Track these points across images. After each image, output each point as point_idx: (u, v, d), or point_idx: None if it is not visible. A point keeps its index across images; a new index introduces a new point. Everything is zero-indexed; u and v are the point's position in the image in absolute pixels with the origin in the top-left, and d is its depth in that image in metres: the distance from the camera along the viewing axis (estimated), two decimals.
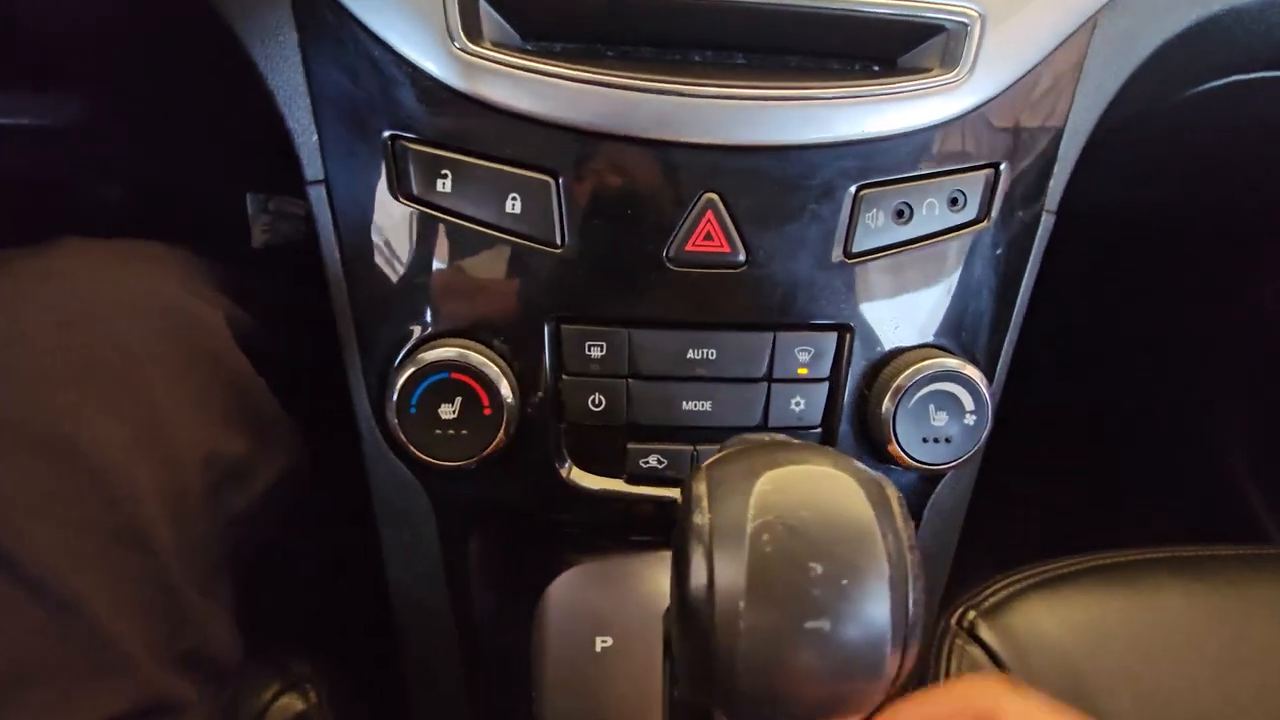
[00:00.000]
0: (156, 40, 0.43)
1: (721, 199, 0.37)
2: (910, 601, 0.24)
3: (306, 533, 0.56)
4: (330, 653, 0.55)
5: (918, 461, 0.39)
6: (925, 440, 0.39)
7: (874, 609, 0.23)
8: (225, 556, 0.42)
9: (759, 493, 0.24)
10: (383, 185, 0.37)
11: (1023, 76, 0.38)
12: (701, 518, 0.25)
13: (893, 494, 0.25)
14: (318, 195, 0.38)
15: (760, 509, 0.24)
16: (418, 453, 0.37)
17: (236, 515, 0.43)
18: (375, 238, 0.38)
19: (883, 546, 0.23)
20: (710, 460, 0.27)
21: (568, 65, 0.35)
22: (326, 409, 0.46)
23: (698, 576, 0.24)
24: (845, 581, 0.23)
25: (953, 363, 0.38)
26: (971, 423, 0.39)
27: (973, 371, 0.38)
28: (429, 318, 0.38)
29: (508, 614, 0.46)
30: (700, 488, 0.25)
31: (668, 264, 0.37)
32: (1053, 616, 0.53)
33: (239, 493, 0.43)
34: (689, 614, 0.24)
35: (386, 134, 0.36)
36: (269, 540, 0.48)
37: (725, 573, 0.23)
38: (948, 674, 0.50)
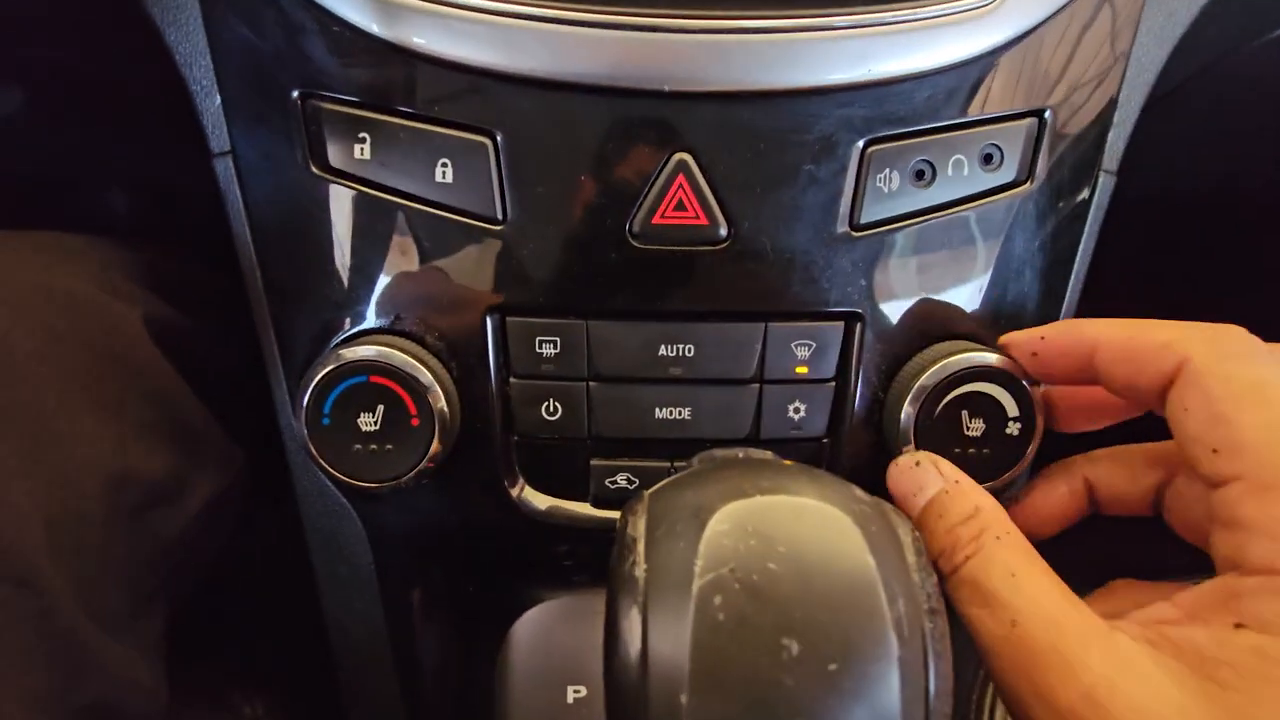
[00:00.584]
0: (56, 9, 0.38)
1: (695, 159, 0.30)
2: (930, 693, 0.16)
3: (255, 555, 0.51)
4: (283, 689, 0.49)
5: None
6: (957, 453, 0.31)
7: (878, 705, 0.16)
8: (151, 590, 0.37)
9: (710, 535, 0.17)
10: (295, 154, 0.32)
11: (1072, 1, 0.31)
12: (636, 568, 0.18)
13: (906, 532, 0.18)
14: (224, 169, 0.33)
15: (711, 559, 0.17)
16: (334, 471, 0.31)
17: (164, 541, 0.37)
18: (289, 216, 0.32)
19: (888, 613, 0.16)
20: (656, 487, 0.20)
21: (503, 1, 0.29)
22: (270, 418, 0.41)
23: (629, 648, 0.17)
24: (833, 666, 0.16)
25: (990, 358, 0.31)
26: (1016, 432, 0.31)
27: (1015, 368, 0.31)
28: (353, 311, 0.33)
29: (465, 659, 0.40)
30: (638, 525, 0.19)
31: (632, 241, 0.31)
32: None
33: (165, 516, 0.38)
34: (616, 699, 0.17)
35: (296, 93, 0.31)
36: (210, 563, 0.43)
37: (663, 648, 0.16)
38: (985, 715, 0.43)
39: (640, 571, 0.18)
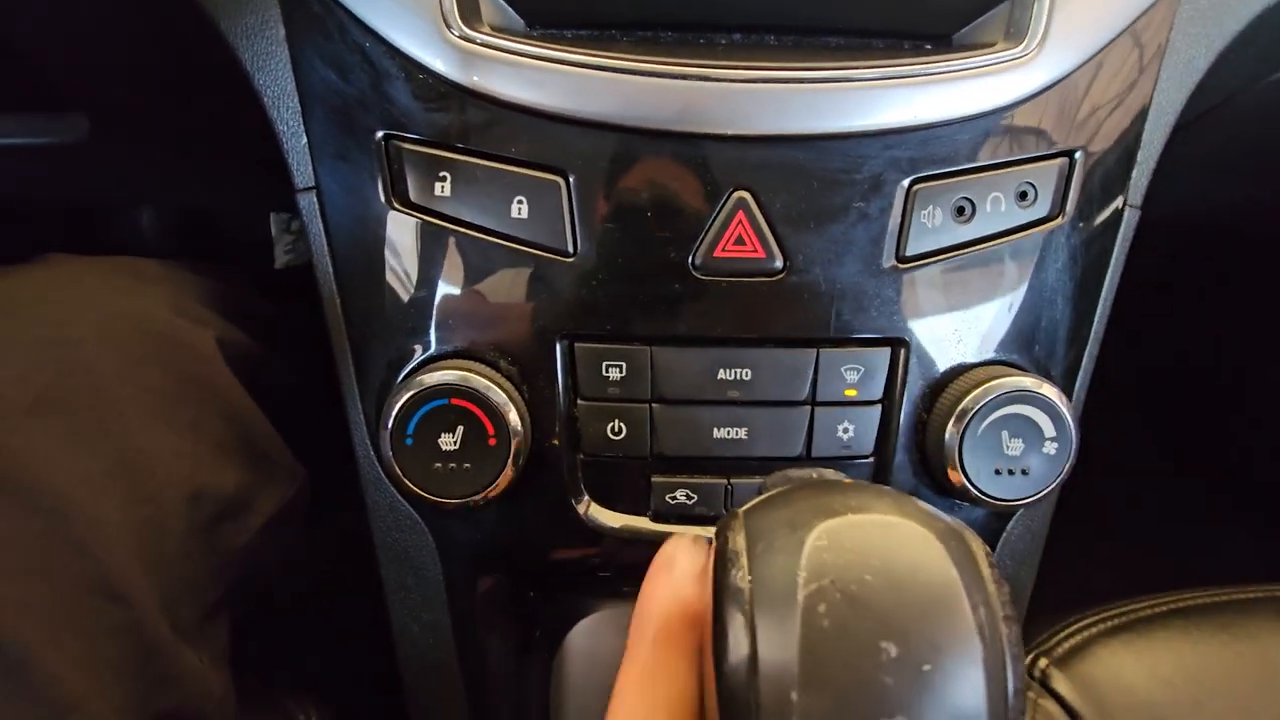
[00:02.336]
0: (147, 44, 0.40)
1: (754, 197, 0.32)
2: (1010, 691, 0.18)
3: (311, 568, 0.53)
4: (336, 698, 0.51)
5: (989, 497, 0.34)
6: (998, 472, 0.33)
7: (966, 702, 0.18)
8: (219, 600, 0.39)
9: (811, 550, 0.19)
10: (377, 191, 0.34)
11: (1100, 50, 0.33)
12: (741, 578, 0.20)
13: (978, 548, 0.20)
14: (308, 204, 0.35)
15: (814, 571, 0.19)
16: (416, 489, 0.33)
17: (231, 554, 0.39)
18: (369, 249, 0.34)
19: (973, 619, 0.18)
20: (748, 505, 0.22)
21: (576, 51, 0.31)
22: (333, 437, 0.43)
23: (738, 657, 0.19)
24: (927, 667, 0.18)
25: (1029, 382, 0.33)
26: (1053, 451, 0.33)
27: (1052, 391, 0.33)
28: (429, 337, 0.35)
29: (523, 665, 0.42)
30: (738, 540, 0.21)
31: (694, 272, 0.33)
32: (1139, 666, 0.46)
33: (233, 529, 0.40)
34: (727, 699, 0.19)
35: (380, 134, 0.33)
36: (271, 576, 0.45)
37: (772, 651, 0.18)
38: None
39: (745, 582, 0.20)
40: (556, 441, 0.35)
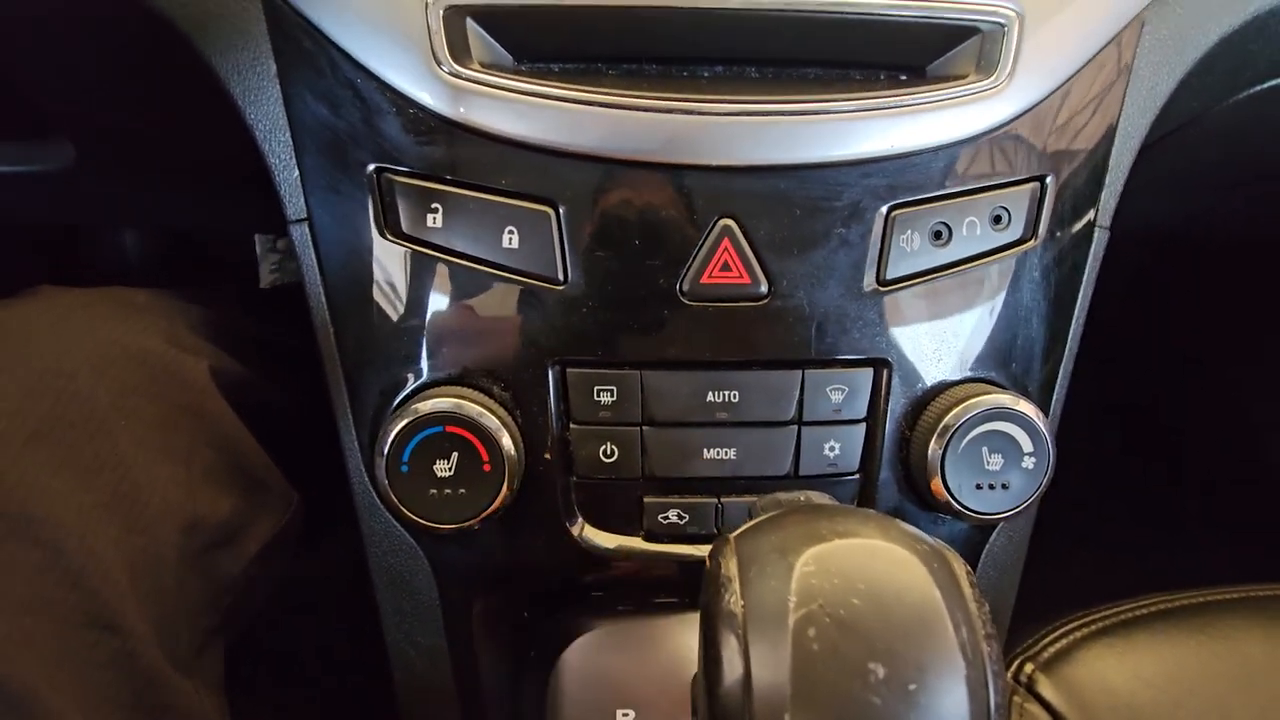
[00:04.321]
0: (137, 77, 0.40)
1: (739, 225, 0.33)
2: (992, 706, 0.19)
3: (306, 591, 0.53)
4: None
5: (972, 511, 0.35)
6: (979, 487, 0.35)
7: (951, 718, 0.19)
8: (214, 627, 0.39)
9: (800, 575, 0.20)
10: (369, 222, 0.34)
11: (1068, 80, 0.35)
12: (734, 603, 0.21)
13: (960, 568, 0.21)
14: (300, 235, 0.35)
15: (803, 596, 0.20)
16: (411, 515, 0.34)
17: (226, 581, 0.40)
18: (362, 279, 0.35)
19: (955, 639, 0.19)
20: (739, 531, 0.23)
21: (564, 85, 0.32)
22: (327, 462, 0.43)
23: (731, 672, 0.20)
24: (913, 686, 0.19)
25: (1006, 399, 0.34)
26: (1031, 466, 0.34)
27: (1028, 408, 0.34)
28: (423, 365, 0.35)
29: (519, 685, 0.42)
30: (729, 566, 0.22)
31: (682, 298, 0.34)
32: (1121, 668, 0.47)
33: (228, 557, 0.40)
34: (720, 714, 0.20)
35: (371, 167, 0.34)
36: (264, 603, 0.45)
37: (764, 674, 0.19)
38: None
39: (738, 606, 0.20)
40: (550, 463, 0.35)
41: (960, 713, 0.19)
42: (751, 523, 0.23)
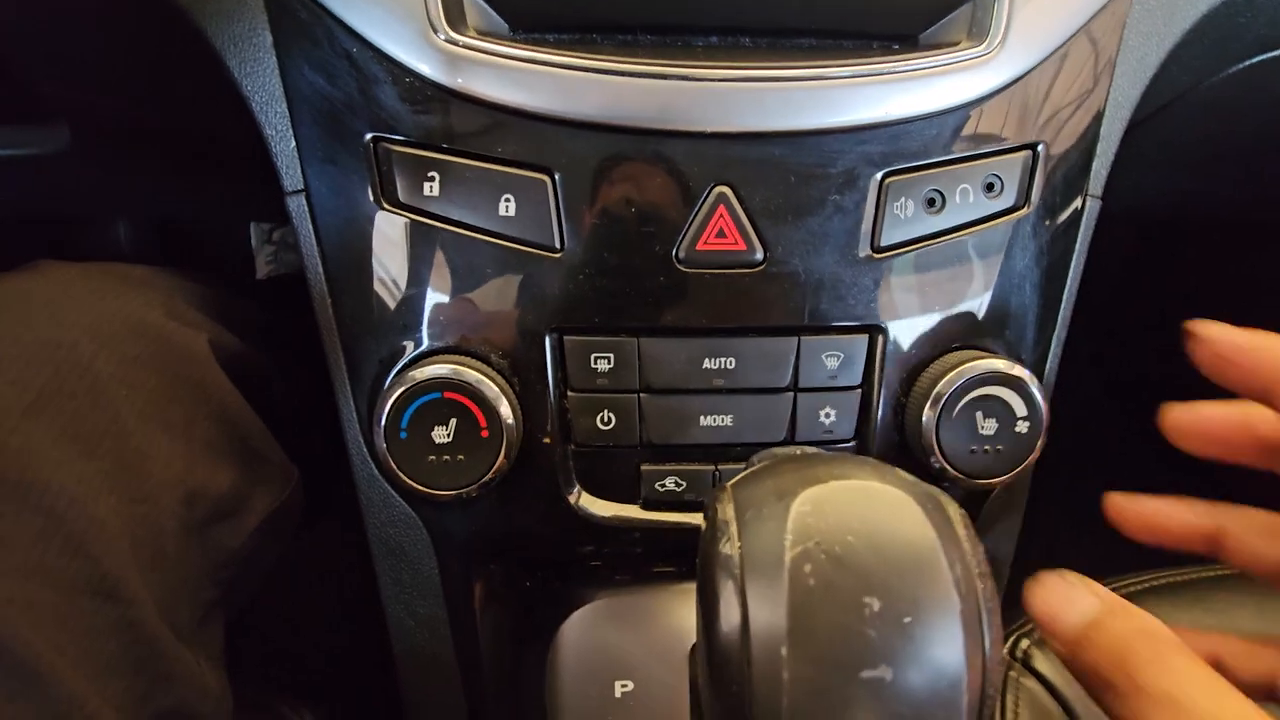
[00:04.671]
0: (133, 53, 0.40)
1: (734, 192, 0.33)
2: (986, 641, 0.20)
3: (304, 570, 0.53)
4: (330, 701, 0.51)
5: (966, 475, 0.35)
6: (973, 451, 0.35)
7: (944, 651, 0.19)
8: (214, 600, 0.39)
9: (796, 515, 0.20)
10: (366, 192, 0.34)
11: (1058, 48, 0.35)
12: (730, 546, 0.21)
13: (954, 511, 0.21)
14: (297, 206, 0.36)
15: (799, 535, 0.20)
16: (410, 481, 0.34)
17: (226, 554, 0.40)
18: (359, 249, 0.35)
19: (949, 574, 0.20)
20: (736, 479, 0.23)
21: (559, 53, 0.32)
22: (324, 437, 0.43)
23: (729, 617, 0.20)
24: (908, 619, 0.19)
25: (1000, 364, 0.34)
26: (1024, 430, 0.35)
27: (1022, 373, 0.34)
28: (420, 333, 0.35)
29: (518, 657, 0.42)
30: (726, 511, 0.22)
31: (678, 265, 0.34)
32: None
33: (228, 530, 0.40)
34: (719, 662, 0.20)
35: (368, 136, 0.34)
36: (263, 577, 0.45)
37: (761, 613, 0.19)
38: (1003, 714, 0.45)
39: (734, 549, 0.21)
40: (547, 431, 0.36)
41: (955, 646, 0.19)
42: (748, 470, 0.23)
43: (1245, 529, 0.28)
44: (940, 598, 0.19)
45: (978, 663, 0.19)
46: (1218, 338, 0.27)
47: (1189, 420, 0.29)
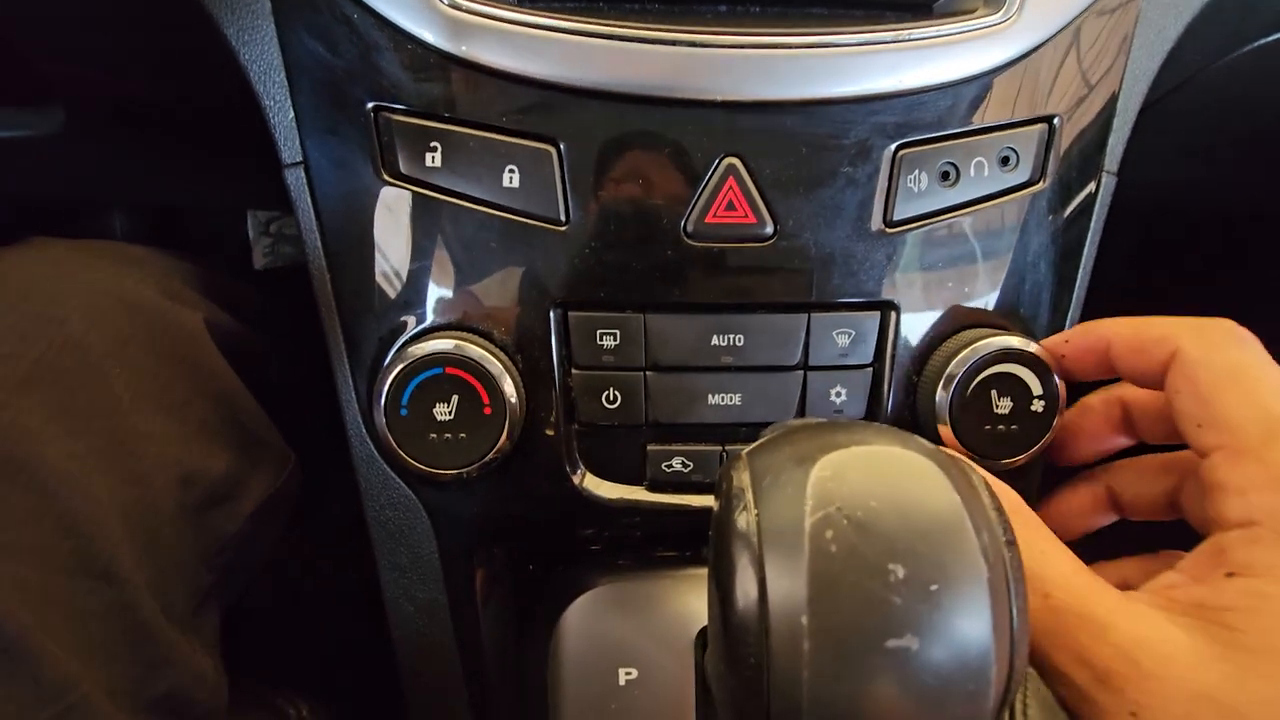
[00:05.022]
0: (128, 23, 0.39)
1: (744, 163, 0.33)
2: (1014, 610, 0.19)
3: (301, 555, 0.52)
4: (327, 690, 0.50)
5: (981, 456, 0.34)
6: (988, 431, 0.34)
7: (972, 621, 0.18)
8: (210, 585, 0.38)
9: (816, 480, 0.19)
10: (366, 163, 0.34)
11: (1076, 18, 0.34)
12: (746, 516, 0.20)
13: (979, 478, 0.21)
14: (296, 180, 0.35)
15: (820, 500, 0.19)
16: (411, 460, 0.33)
17: (222, 540, 0.39)
18: (359, 222, 0.34)
19: (976, 542, 0.19)
20: (751, 447, 0.22)
21: (565, 19, 0.31)
22: (322, 421, 0.42)
23: (745, 589, 0.19)
24: (935, 587, 0.18)
25: (1016, 341, 0.33)
26: (1041, 409, 0.34)
27: (1038, 350, 0.34)
28: (422, 309, 0.34)
29: (520, 643, 0.41)
30: (742, 479, 0.21)
31: (686, 239, 0.33)
32: None
33: (224, 515, 0.39)
34: (736, 637, 0.19)
35: (369, 105, 0.33)
36: (260, 564, 0.44)
37: (780, 582, 0.19)
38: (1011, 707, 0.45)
39: (752, 517, 0.20)
40: (551, 408, 0.35)
41: (983, 614, 0.18)
42: (764, 438, 0.23)
43: (1127, 482, 0.34)
44: (968, 565, 0.18)
45: (1005, 633, 0.18)
46: (1048, 347, 0.34)
47: (1075, 421, 0.34)
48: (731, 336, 0.34)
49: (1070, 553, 0.26)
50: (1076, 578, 0.25)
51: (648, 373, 0.35)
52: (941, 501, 0.19)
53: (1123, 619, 0.24)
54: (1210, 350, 0.27)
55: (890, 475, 0.20)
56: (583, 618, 0.40)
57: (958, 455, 0.21)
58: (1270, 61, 0.44)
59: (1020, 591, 0.19)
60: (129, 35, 0.40)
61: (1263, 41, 0.43)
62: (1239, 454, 0.25)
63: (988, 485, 0.21)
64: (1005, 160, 0.35)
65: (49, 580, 0.30)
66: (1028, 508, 0.27)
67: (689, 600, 0.39)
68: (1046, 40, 0.34)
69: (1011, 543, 0.20)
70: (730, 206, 0.33)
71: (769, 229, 0.33)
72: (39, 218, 0.72)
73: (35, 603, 0.29)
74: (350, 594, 0.43)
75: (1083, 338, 0.32)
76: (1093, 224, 0.37)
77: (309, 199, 0.35)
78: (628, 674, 0.39)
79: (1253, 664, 0.22)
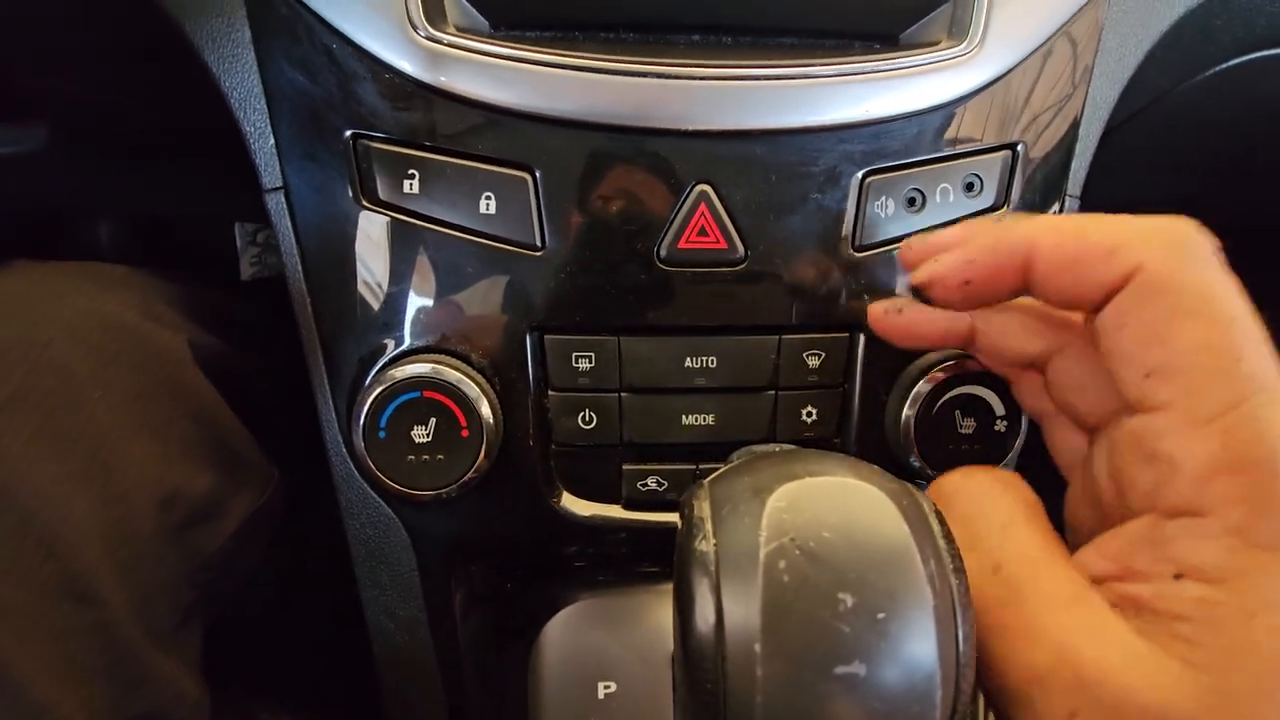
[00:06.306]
0: (111, 48, 0.40)
1: (715, 190, 0.33)
2: (960, 637, 0.20)
3: (282, 574, 0.52)
4: (312, 703, 0.50)
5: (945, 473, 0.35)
6: (952, 450, 0.35)
7: (918, 647, 0.19)
8: (192, 604, 0.39)
9: (771, 511, 0.20)
10: (346, 189, 0.34)
11: (1038, 48, 0.35)
12: (705, 543, 0.21)
13: (929, 507, 0.21)
14: (276, 204, 0.35)
15: (774, 530, 0.20)
16: (389, 481, 0.33)
17: (204, 557, 0.39)
18: (339, 246, 0.35)
19: (923, 571, 0.19)
20: (713, 476, 0.23)
21: (540, 50, 0.32)
22: (307, 440, 0.43)
23: (704, 614, 0.20)
24: (882, 615, 0.19)
25: (978, 364, 0.34)
26: (1003, 429, 0.35)
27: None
28: (401, 332, 0.35)
29: (500, 659, 0.42)
30: (703, 508, 0.22)
31: (659, 264, 0.34)
32: None
33: (206, 533, 0.39)
34: (694, 661, 0.20)
35: (348, 134, 0.34)
36: (243, 581, 0.45)
37: (736, 610, 0.19)
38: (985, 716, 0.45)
39: (710, 545, 0.20)
40: (528, 430, 0.35)
41: (928, 641, 0.19)
42: (725, 467, 0.23)
43: (994, 328, 0.27)
44: (914, 593, 0.19)
45: (951, 658, 0.19)
46: (945, 274, 0.26)
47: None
48: (704, 358, 0.35)
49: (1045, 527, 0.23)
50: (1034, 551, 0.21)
51: (623, 394, 0.35)
52: (891, 532, 0.20)
53: (1071, 614, 0.20)
54: (1178, 273, 0.20)
55: (843, 506, 0.20)
56: (562, 632, 0.40)
57: (910, 486, 0.22)
58: (1232, 84, 0.45)
59: (967, 618, 0.20)
60: (112, 60, 0.40)
61: (1223, 66, 0.45)
62: (1198, 422, 0.20)
63: (938, 514, 0.21)
64: (970, 186, 0.36)
65: (29, 601, 0.30)
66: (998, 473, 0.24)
67: (667, 615, 0.40)
68: (1009, 70, 0.35)
69: (959, 570, 0.20)
70: (702, 232, 0.34)
71: (740, 254, 0.34)
72: (25, 227, 0.72)
73: (15, 625, 0.30)
74: (336, 609, 0.43)
75: (994, 254, 0.24)
76: None
77: (289, 224, 0.35)
78: (607, 688, 0.39)
79: (1224, 698, 0.18)
